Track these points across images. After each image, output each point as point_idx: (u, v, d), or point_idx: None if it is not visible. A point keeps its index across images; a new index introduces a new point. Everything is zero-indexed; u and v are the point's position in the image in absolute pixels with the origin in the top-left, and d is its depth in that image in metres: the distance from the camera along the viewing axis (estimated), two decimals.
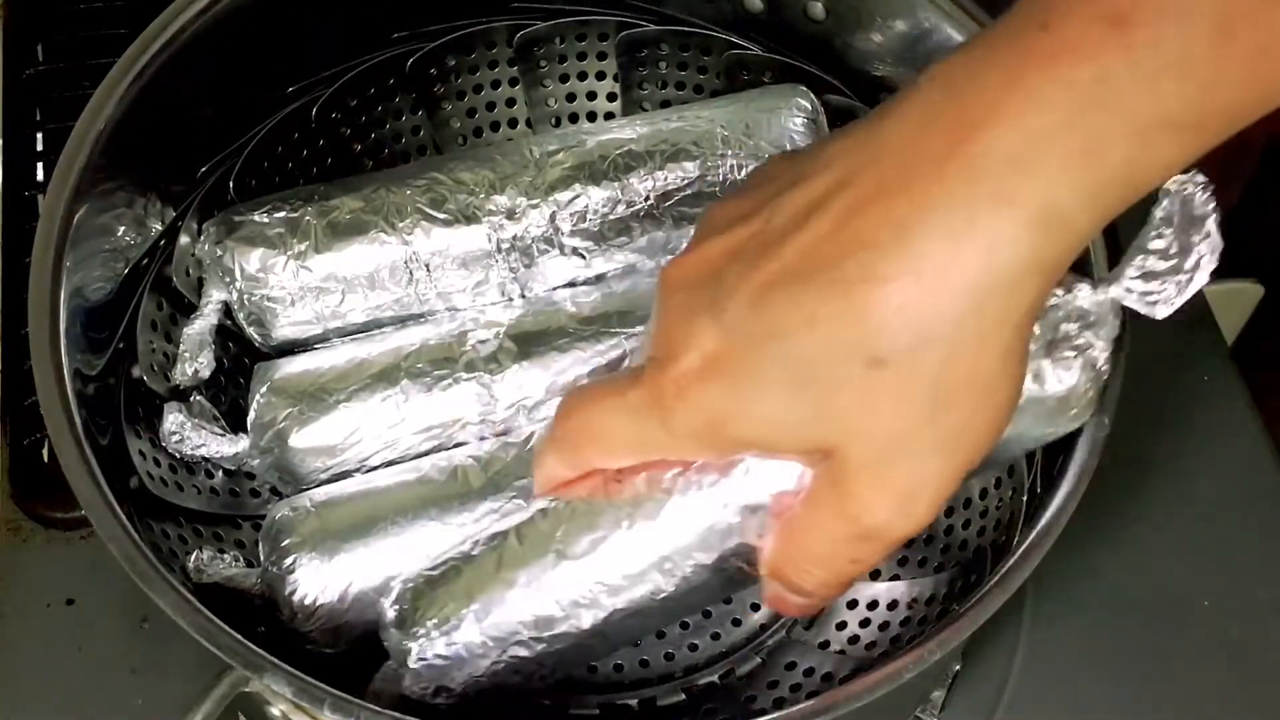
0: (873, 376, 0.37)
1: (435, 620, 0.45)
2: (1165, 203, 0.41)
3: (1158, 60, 0.35)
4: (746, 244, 0.39)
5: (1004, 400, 0.39)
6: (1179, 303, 0.42)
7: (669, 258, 0.57)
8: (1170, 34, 0.35)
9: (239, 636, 0.42)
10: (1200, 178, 0.40)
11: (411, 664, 0.45)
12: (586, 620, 0.45)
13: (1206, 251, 0.41)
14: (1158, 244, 0.41)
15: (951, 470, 0.39)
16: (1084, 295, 0.42)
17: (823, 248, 0.37)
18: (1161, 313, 0.42)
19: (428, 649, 0.45)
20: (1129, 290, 0.42)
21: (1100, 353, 0.44)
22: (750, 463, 0.42)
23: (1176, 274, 0.41)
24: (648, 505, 0.44)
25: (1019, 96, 0.36)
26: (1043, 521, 0.45)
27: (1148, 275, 0.41)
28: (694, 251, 0.41)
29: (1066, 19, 0.35)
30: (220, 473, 0.55)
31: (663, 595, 0.45)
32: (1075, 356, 0.43)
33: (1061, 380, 0.43)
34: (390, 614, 0.46)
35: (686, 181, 0.57)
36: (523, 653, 0.45)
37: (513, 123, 0.66)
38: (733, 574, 0.45)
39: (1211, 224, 0.41)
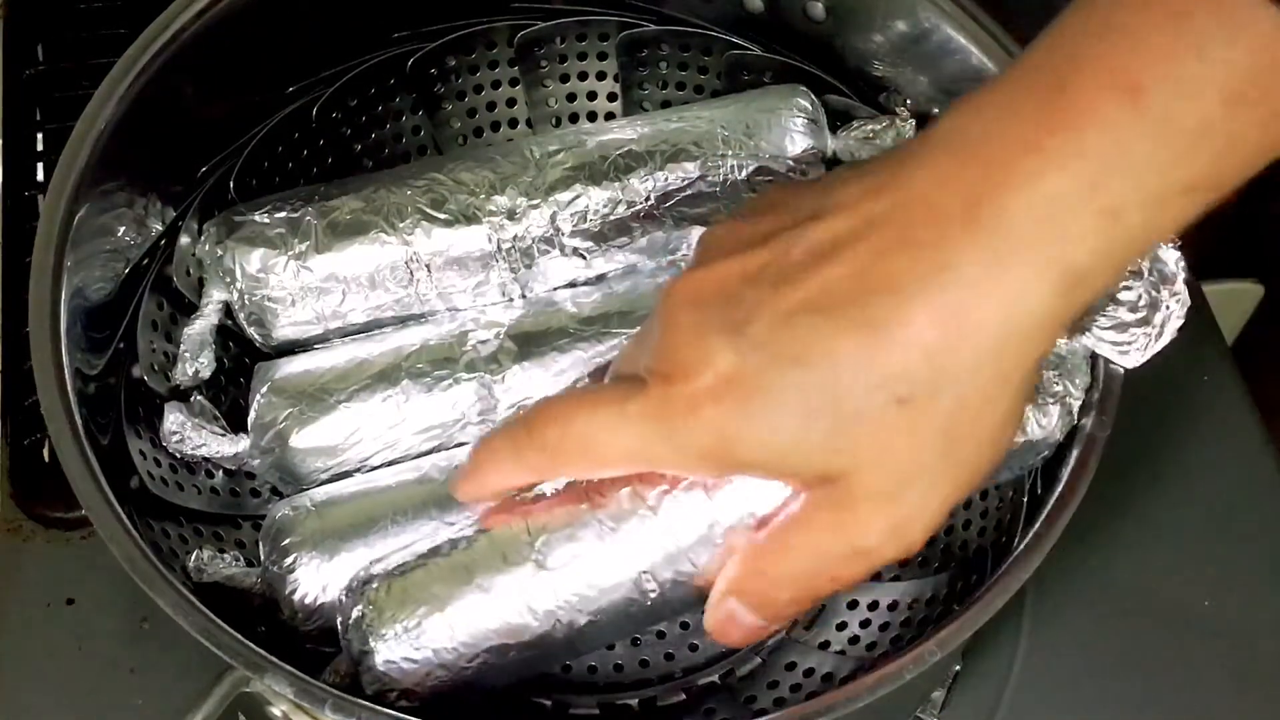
0: (892, 412, 0.38)
1: (405, 624, 0.45)
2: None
3: (1172, 129, 0.35)
4: (763, 270, 0.39)
5: (1006, 440, 0.40)
6: (1149, 354, 0.43)
7: (669, 258, 0.57)
8: (1184, 104, 0.35)
9: (239, 636, 0.42)
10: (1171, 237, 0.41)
11: (378, 665, 0.45)
12: (560, 630, 0.45)
13: (1176, 308, 0.43)
14: (1127, 295, 0.43)
15: (948, 501, 0.40)
16: (1059, 341, 0.43)
17: (846, 285, 0.38)
18: (1132, 362, 0.44)
19: (396, 651, 0.44)
20: (1100, 339, 0.43)
21: (1074, 400, 0.46)
22: (738, 483, 0.43)
23: (1145, 326, 0.43)
24: (631, 521, 0.44)
25: (1038, 160, 0.36)
26: (1042, 521, 0.45)
27: (1119, 326, 0.42)
28: (703, 270, 0.41)
29: (1083, 84, 0.36)
30: (220, 473, 0.55)
31: (637, 608, 0.45)
32: (1054, 403, 0.45)
33: (1041, 425, 0.45)
34: (355, 613, 0.45)
35: (687, 182, 0.57)
36: (492, 659, 0.45)
37: (513, 123, 0.66)
38: (703, 589, 0.45)
39: (1180, 283, 0.42)
